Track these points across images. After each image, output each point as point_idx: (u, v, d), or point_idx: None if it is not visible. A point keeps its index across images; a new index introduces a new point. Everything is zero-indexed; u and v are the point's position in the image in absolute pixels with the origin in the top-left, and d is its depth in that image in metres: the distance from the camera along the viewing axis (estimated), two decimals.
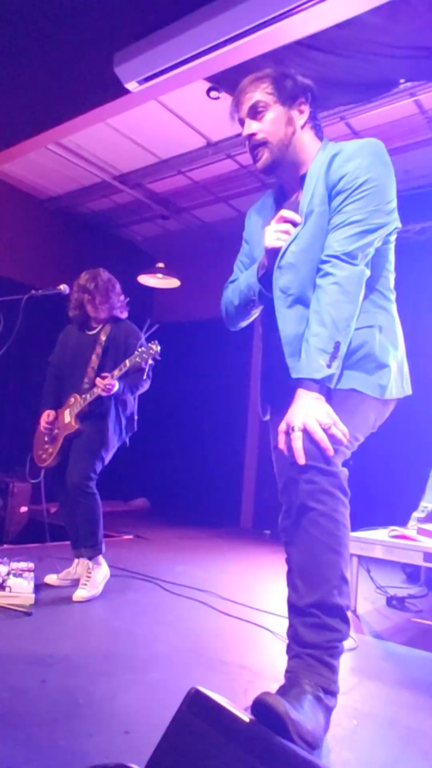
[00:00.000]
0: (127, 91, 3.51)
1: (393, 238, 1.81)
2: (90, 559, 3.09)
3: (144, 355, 2.96)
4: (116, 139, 5.26)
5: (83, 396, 3.14)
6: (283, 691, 1.48)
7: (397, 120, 4.67)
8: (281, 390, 1.77)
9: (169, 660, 2.25)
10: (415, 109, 4.50)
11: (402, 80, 4.05)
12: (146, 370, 3.07)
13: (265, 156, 1.80)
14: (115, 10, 3.36)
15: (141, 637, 2.48)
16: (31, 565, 3.07)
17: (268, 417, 2.07)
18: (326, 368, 1.55)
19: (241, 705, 1.61)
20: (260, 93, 1.77)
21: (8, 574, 2.86)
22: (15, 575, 2.86)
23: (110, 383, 3.00)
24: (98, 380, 3.03)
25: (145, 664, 2.18)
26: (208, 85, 4.20)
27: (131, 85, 3.41)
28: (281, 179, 1.90)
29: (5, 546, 4.26)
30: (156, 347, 2.95)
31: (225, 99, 4.32)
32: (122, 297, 3.42)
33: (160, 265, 6.40)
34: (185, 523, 5.93)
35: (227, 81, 4.18)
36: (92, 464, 3.11)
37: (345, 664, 2.35)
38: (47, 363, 3.47)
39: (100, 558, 3.13)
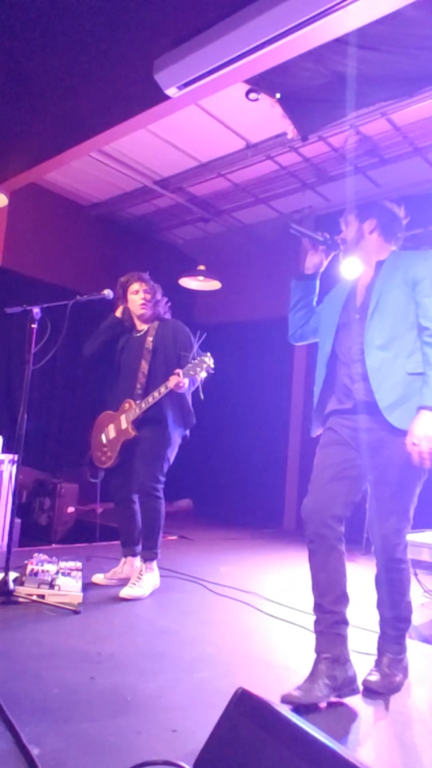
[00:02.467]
0: (167, 97, 3.55)
1: None
2: (145, 561, 3.13)
3: (197, 367, 2.93)
4: (156, 144, 5.32)
5: (138, 403, 3.17)
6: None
7: None
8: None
9: (215, 660, 2.26)
10: None
11: None
12: (198, 384, 3.05)
13: None
14: (153, 18, 3.40)
15: (186, 637, 2.51)
16: (79, 564, 3.14)
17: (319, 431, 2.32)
18: None
19: (287, 706, 1.61)
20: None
21: (57, 573, 2.93)
22: (64, 574, 2.93)
23: (181, 381, 2.97)
24: (172, 378, 2.99)
25: (190, 663, 2.20)
26: (246, 87, 4.20)
27: (171, 91, 3.45)
28: None
29: (54, 545, 4.36)
30: (209, 360, 2.92)
31: (264, 100, 4.32)
32: (165, 300, 3.45)
33: (201, 267, 6.44)
34: (229, 524, 5.94)
35: (266, 82, 4.18)
36: (160, 467, 3.15)
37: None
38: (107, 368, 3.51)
39: (154, 564, 3.17)
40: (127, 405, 3.24)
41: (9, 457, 4.23)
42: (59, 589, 2.79)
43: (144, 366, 3.23)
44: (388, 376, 2.05)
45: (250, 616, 2.89)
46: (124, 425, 3.23)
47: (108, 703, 1.80)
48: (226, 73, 3.29)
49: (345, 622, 2.07)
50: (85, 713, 1.73)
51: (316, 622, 2.08)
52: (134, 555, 3.30)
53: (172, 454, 3.22)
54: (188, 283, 6.65)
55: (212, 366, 2.90)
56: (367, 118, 4.63)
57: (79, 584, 2.87)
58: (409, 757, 1.64)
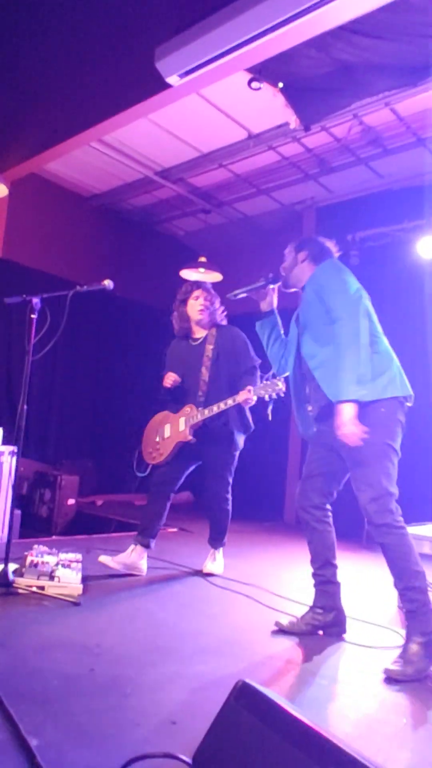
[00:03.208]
0: (168, 86, 3.52)
1: None
2: (216, 549, 3.54)
3: (268, 388, 2.95)
4: (158, 134, 5.28)
5: (200, 410, 3.26)
6: None
7: None
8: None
9: (215, 653, 2.25)
10: None
11: None
12: (269, 407, 3.02)
13: None
14: (154, 4, 3.37)
15: (187, 630, 2.50)
16: (79, 556, 3.13)
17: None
18: None
19: (288, 699, 1.60)
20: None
21: (57, 564, 2.91)
22: (63, 566, 2.91)
23: (251, 398, 3.09)
24: (241, 394, 3.10)
25: (190, 656, 2.19)
26: (248, 76, 4.16)
27: (172, 79, 3.41)
28: None
29: (54, 537, 4.36)
30: (281, 385, 2.91)
31: (266, 90, 4.28)
32: (222, 308, 3.56)
33: (202, 259, 6.40)
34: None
35: (268, 71, 4.13)
36: (230, 475, 3.44)
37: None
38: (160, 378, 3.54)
39: (221, 550, 3.55)
40: (188, 409, 3.32)
41: (9, 448, 4.21)
42: (59, 581, 2.78)
43: (205, 373, 3.34)
44: (332, 376, 2.33)
45: (251, 609, 2.88)
46: (182, 428, 3.31)
47: (107, 695, 1.79)
48: (228, 61, 3.25)
49: (331, 582, 2.56)
50: (84, 705, 1.71)
51: (313, 582, 2.59)
52: (146, 547, 3.32)
53: (236, 459, 3.46)
54: (189, 275, 6.61)
55: (283, 392, 2.92)
56: (370, 108, 4.59)
57: (79, 576, 2.86)
58: (413, 751, 1.63)
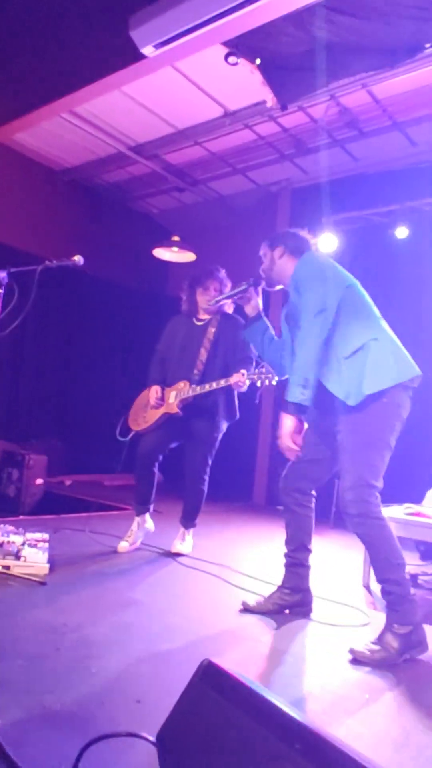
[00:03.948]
0: (143, 56, 3.43)
1: None
2: (187, 528, 3.59)
3: (262, 375, 3.06)
4: (132, 108, 5.15)
5: (193, 386, 3.36)
6: None
7: (422, 87, 4.51)
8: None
9: (182, 632, 2.26)
10: None
11: (427, 45, 3.89)
12: (258, 392, 3.20)
13: None
14: None
15: (154, 609, 2.50)
16: (46, 536, 3.10)
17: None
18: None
19: (253, 677, 1.61)
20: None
21: (23, 544, 2.88)
22: (30, 546, 2.88)
23: (243, 381, 3.16)
24: (235, 375, 3.19)
25: (157, 635, 2.19)
26: (225, 50, 4.07)
27: (147, 50, 3.32)
28: None
29: (21, 517, 4.30)
30: (275, 380, 3.02)
31: (243, 66, 4.20)
32: None
33: (176, 238, 6.32)
34: None
35: (245, 47, 4.05)
36: (210, 454, 3.50)
37: (357, 639, 2.35)
38: (154, 349, 3.70)
39: (192, 531, 3.61)
40: (181, 384, 3.41)
41: None
42: (25, 561, 2.75)
43: (203, 354, 3.44)
44: (331, 374, 2.28)
45: (219, 589, 2.90)
46: (172, 400, 3.41)
47: (72, 675, 1.78)
48: (205, 32, 3.18)
49: (302, 566, 2.60)
50: (48, 684, 1.70)
51: (284, 563, 2.63)
52: (145, 513, 3.52)
53: (218, 442, 3.51)
54: (162, 254, 6.53)
55: (275, 383, 3.03)
56: (347, 89, 4.55)
57: (46, 556, 2.83)
58: (375, 725, 1.66)
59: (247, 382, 3.17)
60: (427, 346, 4.92)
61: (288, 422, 2.30)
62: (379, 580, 2.22)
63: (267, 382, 3.06)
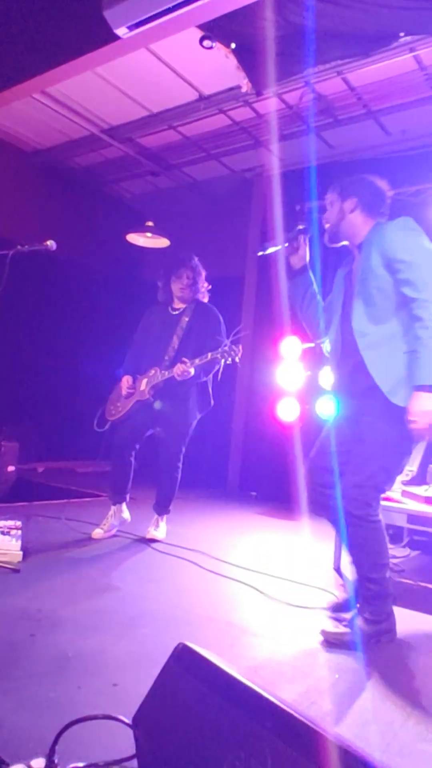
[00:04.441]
0: (116, 37, 3.35)
1: None
2: (161, 515, 3.61)
3: (226, 354, 3.14)
4: (106, 90, 5.06)
5: (162, 372, 3.41)
6: None
7: (396, 76, 4.53)
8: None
9: (157, 616, 2.28)
10: (415, 65, 4.36)
11: (402, 34, 3.90)
12: (220, 368, 3.34)
13: None
14: None
15: (129, 594, 2.52)
16: (19, 523, 3.08)
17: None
18: None
19: (228, 660, 1.65)
20: None
21: None
22: (3, 533, 2.87)
23: (186, 371, 3.25)
24: (178, 366, 3.26)
25: (133, 620, 2.21)
26: (200, 34, 4.02)
27: (121, 31, 3.25)
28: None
29: None
30: (239, 353, 3.14)
31: (218, 50, 4.15)
32: (207, 284, 3.67)
33: (150, 223, 6.26)
34: None
35: (221, 30, 4.01)
36: (183, 441, 3.52)
37: (328, 622, 2.41)
38: (131, 338, 3.75)
39: (165, 518, 3.64)
40: (152, 371, 3.47)
41: None
42: None
43: (175, 341, 3.50)
44: (382, 361, 2.10)
45: (194, 574, 2.93)
46: (143, 387, 3.48)
47: (48, 660, 1.80)
48: (180, 15, 3.12)
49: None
50: (24, 670, 1.71)
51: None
52: (121, 502, 3.56)
53: (191, 430, 3.55)
54: (136, 239, 6.47)
55: (238, 359, 3.14)
56: (323, 76, 4.54)
57: (19, 543, 2.82)
58: (343, 704, 1.71)
59: (192, 371, 3.25)
60: None
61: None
62: (361, 578, 2.19)
63: (229, 360, 3.14)
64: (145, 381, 3.49)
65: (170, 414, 3.48)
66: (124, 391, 3.54)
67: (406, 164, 5.31)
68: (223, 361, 3.19)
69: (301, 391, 5.21)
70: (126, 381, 3.56)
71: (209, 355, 3.20)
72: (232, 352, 3.14)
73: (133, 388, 3.54)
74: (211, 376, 3.55)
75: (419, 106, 4.84)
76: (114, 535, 3.51)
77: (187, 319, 3.54)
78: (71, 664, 1.79)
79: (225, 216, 6.79)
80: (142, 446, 3.57)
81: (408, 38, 3.97)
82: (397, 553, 3.65)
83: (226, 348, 3.16)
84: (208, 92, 5.00)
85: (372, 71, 4.45)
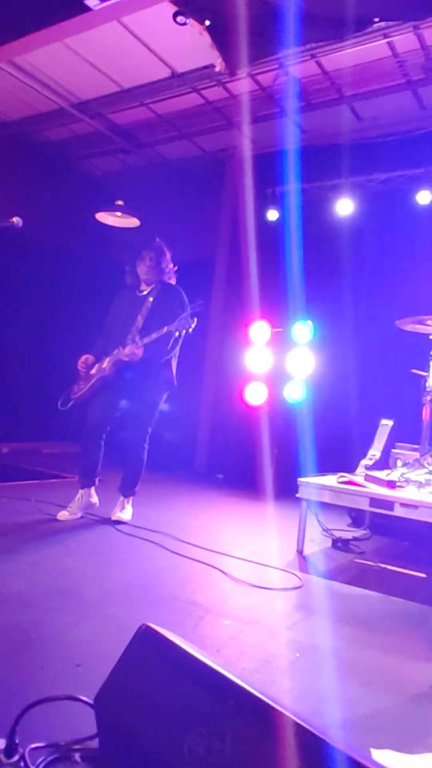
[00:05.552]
0: (87, 8, 3.28)
1: None
2: (126, 497, 3.62)
3: (180, 326, 3.25)
4: (76, 63, 4.92)
5: (121, 349, 3.46)
6: None
7: (369, 62, 4.53)
8: None
9: (122, 597, 2.29)
10: (388, 51, 4.38)
11: (376, 19, 3.90)
12: (171, 339, 3.40)
13: None
14: None
15: (94, 576, 2.52)
16: None
17: None
18: None
19: (191, 640, 1.67)
20: None
21: None
22: None
23: (134, 352, 3.35)
24: (128, 347, 3.37)
25: (97, 601, 2.22)
26: (174, 9, 3.94)
27: (92, 2, 3.18)
28: None
29: None
30: (193, 323, 3.27)
31: (192, 27, 4.08)
32: (172, 265, 3.69)
33: (120, 202, 6.16)
34: None
35: (195, 6, 3.94)
36: (150, 423, 3.55)
37: (290, 601, 2.46)
38: (102, 323, 3.78)
39: (131, 499, 3.64)
40: (116, 351, 3.50)
41: None
42: None
43: (139, 321, 3.53)
44: None
45: (159, 555, 2.95)
46: (105, 365, 3.51)
47: (11, 641, 1.79)
48: None
49: None
50: None
51: None
52: (91, 486, 3.57)
53: (157, 409, 3.58)
54: (105, 218, 6.36)
55: (191, 329, 3.29)
56: (297, 59, 4.51)
57: None
58: (304, 681, 1.75)
59: (141, 352, 3.35)
60: (368, 317, 5.07)
61: None
62: None
63: (184, 332, 3.29)
64: (108, 359, 3.52)
65: (135, 385, 3.51)
66: (80, 369, 3.60)
67: (377, 150, 5.35)
68: (177, 333, 3.31)
69: (269, 375, 5.24)
70: (84, 359, 3.60)
71: (165, 328, 3.29)
72: (186, 324, 3.25)
73: (85, 366, 3.59)
74: (174, 357, 3.58)
75: (392, 93, 4.86)
76: (80, 518, 3.49)
77: (152, 299, 3.57)
78: (34, 645, 1.78)
79: (196, 197, 6.72)
80: (112, 429, 3.56)
81: (382, 24, 3.98)
82: (358, 535, 3.74)
83: (182, 320, 3.26)
84: (181, 70, 4.93)
85: (346, 56, 4.44)
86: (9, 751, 1.13)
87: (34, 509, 3.56)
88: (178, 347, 3.58)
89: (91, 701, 1.20)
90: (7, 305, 6.65)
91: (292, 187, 5.50)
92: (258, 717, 1.01)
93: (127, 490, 3.62)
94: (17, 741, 1.15)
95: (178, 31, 4.15)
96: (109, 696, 1.15)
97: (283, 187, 5.61)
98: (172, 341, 3.43)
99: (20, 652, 1.73)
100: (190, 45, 4.47)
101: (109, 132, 6.09)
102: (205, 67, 4.78)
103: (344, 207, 5.28)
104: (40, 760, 1.19)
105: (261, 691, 1.07)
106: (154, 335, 3.33)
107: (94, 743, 1.24)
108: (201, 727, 1.03)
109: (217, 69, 4.66)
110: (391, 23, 4.00)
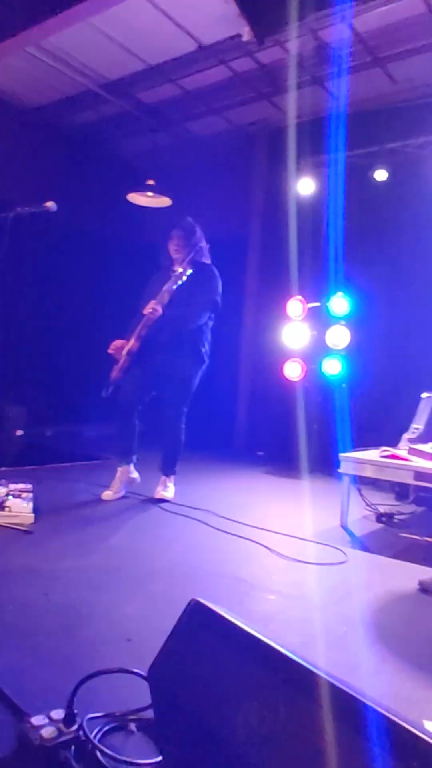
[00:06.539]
0: None
1: None
2: (167, 476, 3.65)
3: (176, 278, 3.32)
4: (102, 42, 4.87)
5: (143, 322, 3.48)
6: None
7: (403, 20, 4.34)
8: None
9: (168, 574, 2.33)
10: (423, 7, 4.17)
11: None
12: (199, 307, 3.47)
13: None
14: None
15: (140, 553, 2.56)
16: (30, 486, 3.12)
17: None
18: None
19: (238, 615, 1.68)
20: None
21: (7, 495, 2.91)
22: (14, 496, 2.91)
23: (154, 308, 3.36)
24: (148, 305, 3.38)
25: (144, 577, 2.26)
26: None
27: None
28: None
29: (3, 468, 4.32)
30: (186, 271, 3.35)
31: None
32: (204, 243, 3.68)
33: (151, 182, 6.13)
34: None
35: None
36: (185, 404, 3.59)
37: (336, 575, 2.46)
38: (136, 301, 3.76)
39: (173, 478, 3.68)
40: (139, 325, 3.52)
41: None
42: (10, 511, 2.79)
43: (165, 296, 3.47)
44: None
45: (202, 532, 2.98)
46: (131, 342, 3.52)
47: (63, 617, 1.84)
48: None
49: None
50: (39, 627, 1.76)
51: None
52: (129, 463, 3.60)
53: (192, 389, 3.61)
54: (137, 198, 6.34)
55: (185, 277, 3.37)
56: (327, 22, 4.36)
57: (30, 505, 2.87)
58: (352, 655, 1.76)
59: (159, 309, 3.38)
60: (408, 289, 4.95)
61: None
62: None
63: (180, 281, 3.34)
64: (133, 336, 3.52)
65: (165, 363, 3.51)
66: (110, 349, 3.60)
67: (413, 114, 5.15)
68: (174, 287, 3.36)
69: (307, 350, 5.18)
70: (113, 345, 3.60)
71: (165, 287, 3.37)
72: (179, 275, 3.32)
73: (116, 350, 3.59)
74: (207, 332, 3.61)
75: (427, 51, 4.65)
76: (123, 497, 3.55)
77: (185, 277, 3.52)
78: (85, 621, 1.83)
79: (228, 173, 6.63)
80: (147, 408, 3.58)
81: None
82: (403, 509, 3.69)
83: (179, 274, 3.33)
84: (208, 42, 4.82)
85: (377, 15, 4.27)
86: (68, 720, 1.17)
87: (80, 490, 3.64)
88: (210, 321, 3.58)
89: (144, 674, 1.23)
90: (45, 292, 6.74)
91: (327, 157, 5.36)
92: (310, 688, 1.01)
93: (168, 469, 3.66)
94: (76, 711, 1.19)
95: (203, 1, 4.06)
96: (162, 669, 1.17)
97: (317, 158, 5.47)
98: (193, 308, 3.46)
99: (72, 628, 1.78)
100: (217, 15, 4.37)
101: (137, 111, 6.03)
102: (232, 38, 4.66)
103: (381, 175, 5.12)
104: (97, 729, 1.23)
105: (310, 662, 1.07)
106: (165, 288, 3.37)
107: (149, 714, 1.27)
108: (254, 699, 1.03)
109: (244, 39, 4.54)
110: None
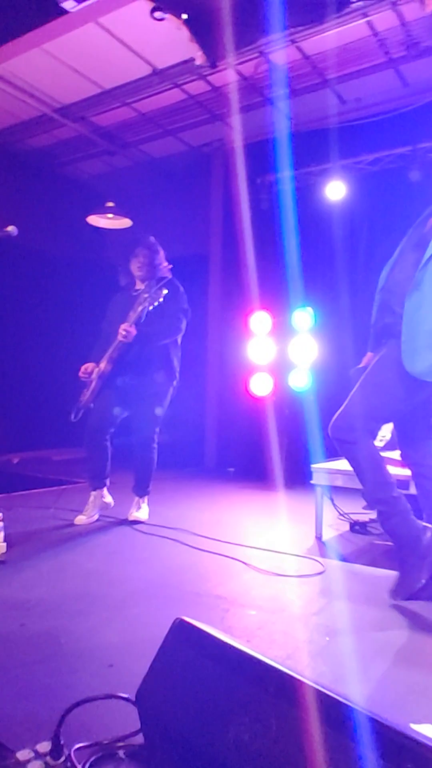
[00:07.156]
0: (64, 11, 3.26)
1: None
2: (140, 497, 3.63)
3: (153, 298, 3.29)
4: (55, 67, 4.90)
5: (116, 344, 3.46)
6: None
7: (349, 43, 4.50)
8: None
9: (145, 596, 2.30)
10: (368, 31, 4.35)
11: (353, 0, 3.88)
12: (166, 319, 3.46)
13: None
14: None
15: (116, 577, 2.52)
16: (0, 515, 3.05)
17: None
18: None
19: (222, 630, 1.67)
20: None
21: None
22: None
23: (127, 329, 3.34)
24: (121, 326, 3.35)
25: (121, 601, 2.23)
26: (151, 5, 3.93)
27: (68, 4, 3.17)
28: None
29: None
30: (162, 293, 3.32)
31: (170, 22, 4.06)
32: (166, 263, 3.68)
33: (110, 204, 6.14)
34: None
35: (171, 1, 3.92)
36: (157, 423, 3.57)
37: (315, 586, 2.47)
38: (99, 328, 3.77)
39: (146, 498, 3.65)
40: (111, 348, 3.50)
41: None
42: None
43: (132, 317, 3.45)
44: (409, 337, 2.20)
45: (178, 551, 2.95)
46: (102, 365, 3.51)
47: (41, 647, 1.79)
48: None
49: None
50: (17, 659, 1.71)
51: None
52: (101, 487, 3.57)
53: (166, 405, 3.60)
54: (97, 221, 6.34)
55: (162, 299, 3.34)
56: (276, 45, 4.48)
57: (1, 534, 2.80)
58: (336, 664, 1.76)
59: (132, 331, 3.35)
60: (369, 301, 5.06)
61: None
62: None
63: (155, 303, 3.32)
64: (104, 359, 3.50)
65: (138, 393, 3.51)
66: (80, 373, 3.57)
67: (362, 132, 5.33)
68: (150, 307, 3.34)
69: (273, 365, 5.24)
70: (84, 368, 3.57)
71: (138, 308, 3.34)
72: (156, 294, 3.30)
73: (86, 374, 3.56)
74: (175, 351, 3.60)
75: (374, 73, 4.84)
76: (96, 521, 3.50)
77: (146, 295, 3.50)
78: (64, 649, 1.79)
79: (186, 193, 6.70)
80: (118, 429, 3.55)
81: (361, 3, 3.95)
82: (375, 516, 3.73)
83: (153, 293, 3.31)
84: (162, 66, 4.90)
85: (326, 39, 4.41)
86: (55, 753, 1.14)
87: (51, 516, 3.57)
88: (179, 336, 3.58)
89: (131, 698, 1.21)
90: (7, 316, 6.65)
91: (282, 174, 5.49)
92: (298, 699, 1.01)
93: (141, 490, 3.63)
94: (62, 742, 1.16)
95: (157, 27, 4.13)
96: (150, 691, 1.15)
97: (272, 176, 5.59)
98: (167, 321, 3.46)
99: (52, 657, 1.73)
100: (169, 40, 4.45)
101: (93, 135, 6.06)
102: (186, 62, 4.76)
103: (335, 191, 5.26)
104: (85, 759, 1.20)
105: (297, 674, 1.07)
106: (138, 309, 3.35)
107: (138, 739, 1.24)
108: (244, 714, 1.03)
109: (197, 62, 4.63)
110: (369, 2, 3.97)
